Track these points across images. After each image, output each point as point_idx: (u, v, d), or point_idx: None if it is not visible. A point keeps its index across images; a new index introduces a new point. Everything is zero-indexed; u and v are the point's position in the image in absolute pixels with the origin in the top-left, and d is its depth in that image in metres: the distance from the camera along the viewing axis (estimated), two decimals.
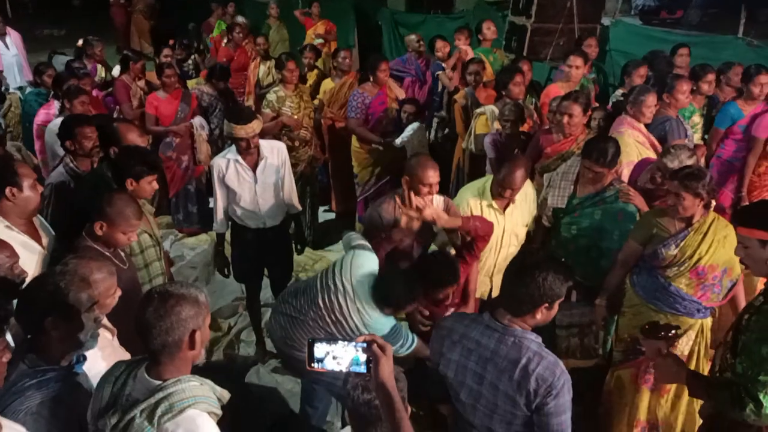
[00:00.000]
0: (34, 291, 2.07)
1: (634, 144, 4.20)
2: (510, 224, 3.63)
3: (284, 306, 3.14)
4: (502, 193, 3.49)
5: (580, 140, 4.17)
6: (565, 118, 4.12)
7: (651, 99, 4.25)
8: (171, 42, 8.63)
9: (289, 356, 3.13)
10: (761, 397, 2.10)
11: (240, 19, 8.70)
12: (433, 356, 2.32)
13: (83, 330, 2.07)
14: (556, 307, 2.11)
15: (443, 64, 6.50)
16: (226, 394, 1.94)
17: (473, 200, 3.58)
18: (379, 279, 2.90)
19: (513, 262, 2.19)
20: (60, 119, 4.66)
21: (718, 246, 3.05)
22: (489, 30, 6.65)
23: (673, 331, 2.42)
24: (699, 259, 3.08)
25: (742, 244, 2.27)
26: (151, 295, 1.84)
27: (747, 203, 4.61)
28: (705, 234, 3.08)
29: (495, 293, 3.78)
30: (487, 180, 3.63)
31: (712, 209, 3.14)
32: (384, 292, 2.86)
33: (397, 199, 3.21)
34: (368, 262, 2.99)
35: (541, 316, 2.10)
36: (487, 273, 3.74)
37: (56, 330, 2.01)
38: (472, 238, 3.28)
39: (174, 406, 1.75)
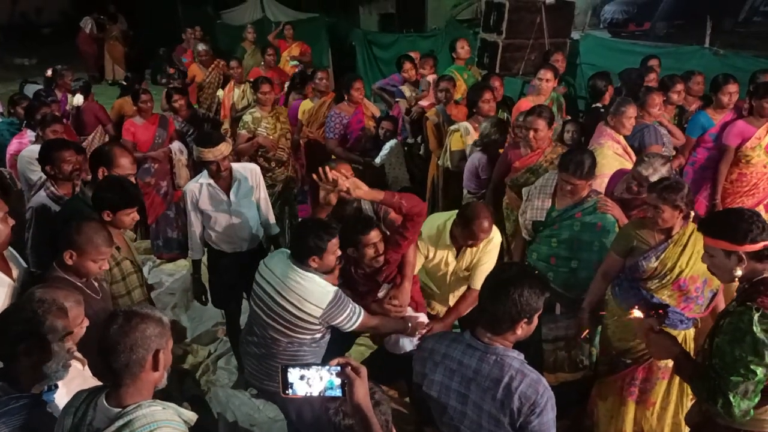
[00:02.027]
0: (7, 319, 2.04)
1: (614, 156, 4.24)
2: (457, 266, 3.58)
3: (247, 347, 3.18)
4: (465, 243, 3.44)
5: (547, 152, 4.22)
6: (531, 133, 4.16)
7: (632, 110, 4.31)
8: (171, 71, 8.63)
9: (265, 391, 3.18)
10: (731, 396, 2.14)
11: (201, 46, 8.72)
12: (416, 378, 2.28)
13: (55, 359, 2.03)
14: (535, 320, 2.10)
15: (403, 89, 6.53)
16: (192, 416, 1.90)
17: (428, 238, 3.54)
18: (292, 237, 2.94)
19: (488, 278, 2.18)
20: (32, 147, 4.64)
21: (698, 257, 3.04)
22: (463, 49, 6.75)
23: (662, 309, 2.44)
24: (680, 272, 3.08)
25: (708, 253, 2.32)
26: (115, 314, 1.85)
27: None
28: (685, 246, 3.08)
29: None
30: (449, 218, 3.53)
31: (691, 220, 3.15)
32: (296, 242, 2.93)
33: (314, 176, 3.18)
34: (278, 253, 3.10)
35: (521, 331, 2.08)
36: (443, 302, 3.76)
37: (29, 357, 1.98)
38: (402, 219, 3.23)
39: None
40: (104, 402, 1.80)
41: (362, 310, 3.02)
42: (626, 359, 3.28)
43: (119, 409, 1.77)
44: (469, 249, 3.52)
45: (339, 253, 2.98)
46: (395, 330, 3.23)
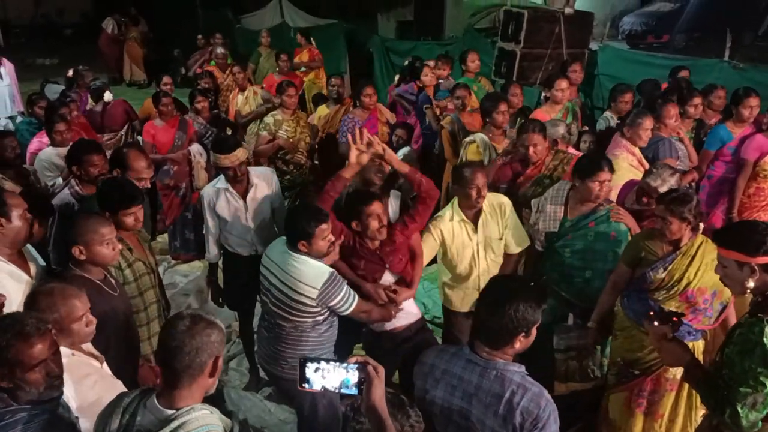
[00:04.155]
0: None
1: (628, 168, 4.23)
2: (482, 237, 3.65)
3: (260, 331, 3.34)
4: (470, 197, 3.51)
5: (548, 162, 4.24)
6: (531, 149, 4.16)
7: (648, 122, 4.31)
8: (198, 71, 8.72)
9: (279, 378, 3.21)
10: (739, 408, 2.13)
11: (219, 50, 8.83)
12: (418, 393, 2.27)
13: (31, 386, 1.92)
14: (533, 333, 2.09)
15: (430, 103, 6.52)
16: (229, 422, 1.93)
17: (445, 218, 3.65)
18: (286, 222, 3.13)
19: (484, 293, 2.17)
20: (48, 150, 4.72)
21: (706, 269, 3.04)
22: (473, 63, 6.76)
23: (677, 317, 2.44)
24: (688, 284, 3.08)
25: (721, 264, 2.32)
26: (181, 315, 1.87)
27: None
28: (693, 257, 3.08)
29: None
30: (453, 201, 3.69)
31: (700, 232, 3.14)
32: (287, 226, 3.07)
33: (349, 137, 3.33)
34: (276, 242, 3.22)
35: (519, 345, 2.08)
36: (474, 287, 3.74)
37: (2, 381, 1.90)
38: (413, 198, 3.33)
39: None
40: (156, 403, 1.81)
41: (357, 296, 3.09)
42: (634, 370, 3.27)
43: (172, 411, 1.78)
44: (487, 215, 3.63)
45: (331, 238, 3.04)
46: (382, 318, 3.31)
